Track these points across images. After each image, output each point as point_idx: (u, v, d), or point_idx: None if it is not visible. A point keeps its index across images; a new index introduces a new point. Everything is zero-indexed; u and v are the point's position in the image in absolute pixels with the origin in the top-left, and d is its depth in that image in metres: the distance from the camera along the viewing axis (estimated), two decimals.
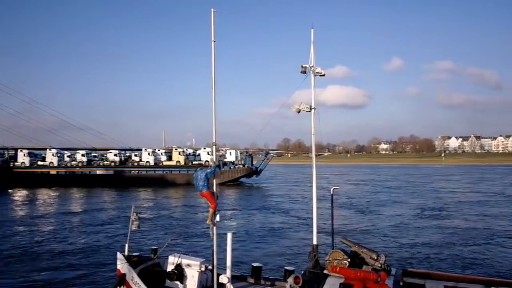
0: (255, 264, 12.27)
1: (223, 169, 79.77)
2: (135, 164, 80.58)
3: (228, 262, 10.18)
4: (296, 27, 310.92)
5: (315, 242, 11.44)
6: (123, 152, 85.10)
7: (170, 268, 11.35)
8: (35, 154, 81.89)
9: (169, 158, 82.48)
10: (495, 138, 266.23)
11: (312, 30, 11.31)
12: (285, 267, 12.18)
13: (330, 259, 10.51)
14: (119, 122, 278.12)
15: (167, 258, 11.72)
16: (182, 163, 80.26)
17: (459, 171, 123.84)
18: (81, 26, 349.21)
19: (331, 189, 12.65)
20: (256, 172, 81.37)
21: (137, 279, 10.96)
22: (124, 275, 11.29)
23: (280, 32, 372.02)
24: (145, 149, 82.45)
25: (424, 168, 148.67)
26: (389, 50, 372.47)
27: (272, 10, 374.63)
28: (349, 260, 10.40)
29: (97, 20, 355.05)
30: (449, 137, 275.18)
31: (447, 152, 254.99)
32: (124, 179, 75.75)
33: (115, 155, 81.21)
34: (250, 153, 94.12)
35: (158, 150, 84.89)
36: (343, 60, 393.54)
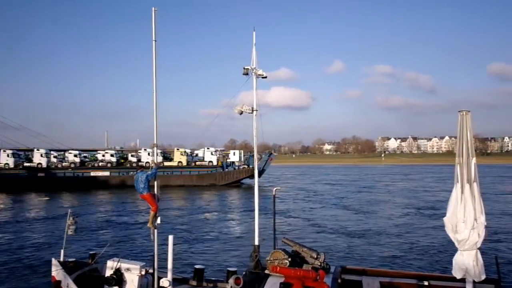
0: (197, 266, 12.20)
1: (227, 170, 78.20)
2: (134, 165, 75.79)
3: (169, 265, 10.04)
4: (241, 28, 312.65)
5: (256, 243, 11.55)
6: (82, 152, 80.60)
7: (108, 273, 11.02)
8: (19, 155, 76.61)
9: (165, 158, 79.22)
10: (430, 139, 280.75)
11: (254, 33, 11.45)
12: (228, 268, 12.20)
13: (271, 259, 10.65)
14: (57, 122, 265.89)
15: (106, 263, 11.37)
16: (184, 163, 77.10)
17: (396, 170, 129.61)
18: (20, 23, 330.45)
19: (274, 190, 12.82)
20: (260, 172, 78.64)
21: (73, 285, 10.56)
22: (59, 282, 10.84)
23: (226, 33, 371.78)
24: (145, 149, 78.43)
25: (369, 168, 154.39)
26: (331, 53, 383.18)
27: (216, 11, 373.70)
28: (289, 259, 10.58)
29: (36, 16, 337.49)
30: (389, 138, 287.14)
31: (386, 152, 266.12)
32: (118, 181, 72.24)
33: (75, 155, 76.84)
34: (252, 154, 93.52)
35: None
36: (287, 62, 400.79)
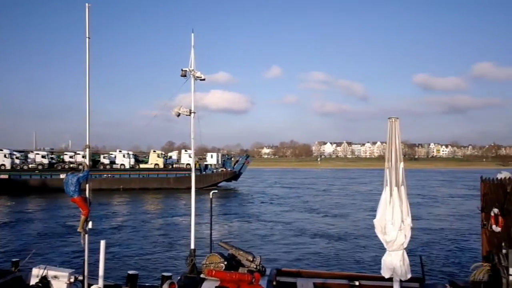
0: (131, 272, 11.82)
1: (204, 172, 75.95)
2: (107, 167, 72.42)
3: (101, 272, 9.65)
4: (180, 29, 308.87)
5: (192, 247, 11.41)
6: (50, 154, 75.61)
7: (34, 281, 10.38)
8: None
9: (137, 161, 76.54)
10: (363, 144, 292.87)
11: (192, 35, 11.33)
12: (163, 273, 11.93)
13: (207, 262, 10.57)
14: None
15: (31, 271, 10.71)
16: (161, 166, 74.40)
17: (342, 174, 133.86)
18: None
19: (210, 193, 12.75)
20: (237, 175, 77.98)
21: None
22: None
23: (165, 33, 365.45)
24: (119, 151, 74.77)
25: (309, 172, 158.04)
26: (269, 58, 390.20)
27: (155, 10, 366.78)
28: (225, 263, 10.55)
29: None
30: (325, 143, 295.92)
31: (322, 156, 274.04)
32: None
33: (43, 157, 71.60)
34: (231, 156, 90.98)
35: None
36: (227, 66, 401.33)
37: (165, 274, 11.67)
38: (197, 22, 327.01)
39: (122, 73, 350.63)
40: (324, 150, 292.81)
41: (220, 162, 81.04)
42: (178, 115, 11.31)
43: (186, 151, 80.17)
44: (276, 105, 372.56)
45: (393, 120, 8.38)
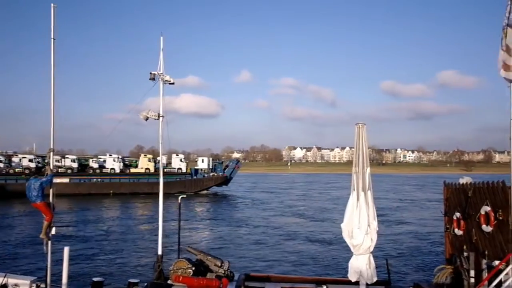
0: (95, 279, 11.54)
1: (195, 177, 74.88)
2: (97, 171, 70.54)
3: (64, 279, 9.39)
4: (149, 32, 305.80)
5: (160, 252, 11.25)
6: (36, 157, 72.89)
7: None
8: None
9: (126, 165, 75.35)
10: (333, 150, 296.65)
11: (161, 38, 11.25)
12: (129, 280, 11.71)
13: (175, 268, 10.45)
14: None
15: None
16: (152, 170, 73.00)
17: (317, 179, 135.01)
18: None
19: (179, 198, 12.63)
20: (228, 180, 77.14)
21: None
22: None
23: (134, 35, 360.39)
24: (110, 155, 73.45)
25: (277, 176, 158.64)
26: (239, 63, 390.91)
27: (124, 12, 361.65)
28: (193, 268, 10.45)
29: None
30: (295, 148, 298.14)
31: (292, 161, 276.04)
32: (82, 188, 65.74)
33: (30, 160, 69.10)
34: (222, 160, 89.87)
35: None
36: (196, 70, 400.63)
37: (132, 280, 11.47)
38: (167, 25, 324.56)
39: (89, 76, 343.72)
40: (294, 155, 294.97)
41: (211, 167, 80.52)
42: (146, 119, 11.18)
43: (177, 155, 79.94)
44: (247, 109, 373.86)
45: (360, 126, 8.52)
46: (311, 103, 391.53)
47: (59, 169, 69.76)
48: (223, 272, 10.74)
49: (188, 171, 77.62)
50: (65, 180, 68.17)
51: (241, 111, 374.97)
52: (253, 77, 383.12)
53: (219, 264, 10.87)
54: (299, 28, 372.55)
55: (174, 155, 79.99)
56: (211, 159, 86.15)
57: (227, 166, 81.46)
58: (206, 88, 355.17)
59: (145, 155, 78.73)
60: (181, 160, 78.51)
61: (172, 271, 10.46)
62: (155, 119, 11.28)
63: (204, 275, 10.47)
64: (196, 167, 79.45)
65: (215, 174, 77.74)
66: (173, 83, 11.50)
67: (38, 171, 68.13)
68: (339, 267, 20.62)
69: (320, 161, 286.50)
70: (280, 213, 44.97)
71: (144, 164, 75.88)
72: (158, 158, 79.69)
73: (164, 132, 11.48)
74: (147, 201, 58.61)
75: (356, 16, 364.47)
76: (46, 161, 72.08)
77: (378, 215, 8.55)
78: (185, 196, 12.63)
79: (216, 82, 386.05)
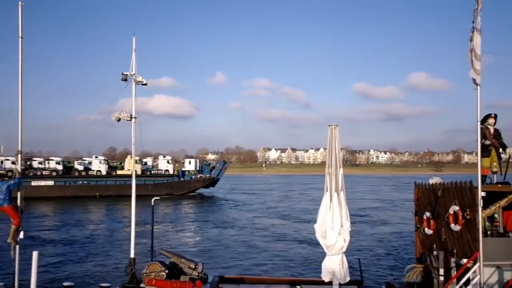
0: (66, 284, 11.29)
1: (183, 179, 73.97)
2: (83, 173, 68.79)
3: (33, 285, 9.14)
4: (122, 32, 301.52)
5: (132, 256, 11.09)
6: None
7: None
8: None
9: (110, 167, 73.99)
10: (307, 151, 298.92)
11: (134, 38, 11.09)
12: (101, 284, 11.51)
13: (147, 271, 10.32)
14: None
15: None
16: (139, 172, 70.50)
17: (293, 180, 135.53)
18: None
19: (152, 200, 12.49)
20: (215, 182, 76.47)
21: None
22: None
23: (105, 35, 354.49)
24: (96, 157, 71.74)
25: (252, 177, 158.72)
26: (213, 65, 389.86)
27: (96, 11, 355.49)
28: (166, 271, 10.35)
29: None
30: (270, 149, 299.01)
31: (267, 162, 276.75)
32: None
33: (13, 163, 66.15)
34: (209, 162, 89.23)
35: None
36: (170, 71, 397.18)
37: (103, 284, 11.29)
38: (140, 25, 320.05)
39: (60, 76, 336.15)
40: (269, 156, 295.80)
41: (198, 168, 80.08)
42: (119, 120, 11.02)
43: (164, 157, 79.30)
44: (221, 111, 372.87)
45: (333, 128, 8.60)
46: (285, 105, 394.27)
47: (43, 172, 68.99)
48: (197, 274, 10.67)
49: (175, 173, 77.23)
50: (50, 182, 66.89)
51: (215, 112, 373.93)
52: (227, 79, 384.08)
53: (193, 267, 10.79)
54: (272, 30, 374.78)
55: (161, 157, 79.75)
56: (198, 160, 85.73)
57: (213, 167, 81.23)
58: (180, 90, 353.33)
59: (131, 157, 77.14)
60: (168, 162, 78.02)
61: (145, 274, 10.34)
62: (127, 120, 11.12)
63: (177, 278, 10.38)
64: (183, 169, 78.97)
65: (203, 175, 77.35)
66: (145, 84, 11.37)
67: (22, 173, 67.04)
68: (317, 267, 20.81)
69: (294, 162, 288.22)
70: (265, 214, 45.11)
71: (131, 166, 74.78)
72: (144, 160, 79.91)
73: (137, 133, 11.34)
74: (142, 203, 57.63)
75: (328, 20, 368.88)
76: (28, 163, 70.58)
77: (352, 215, 8.65)
78: (158, 198, 12.47)
79: (191, 84, 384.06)
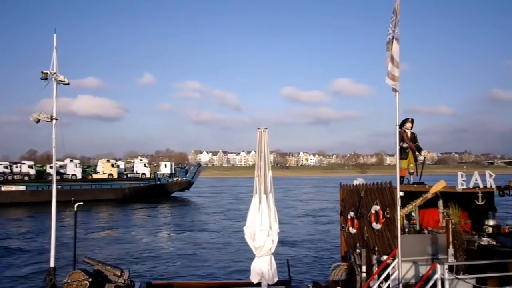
0: None
1: (159, 182, 71.55)
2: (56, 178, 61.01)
3: None
4: (42, 28, 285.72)
5: (52, 265, 10.47)
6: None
7: None
8: None
9: (84, 171, 70.92)
10: (239, 154, 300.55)
11: (54, 35, 10.48)
12: None
13: (69, 281, 9.79)
14: None
15: None
16: (115, 176, 68.92)
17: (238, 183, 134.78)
18: None
19: (75, 206, 11.89)
20: (190, 185, 74.25)
21: None
22: None
23: (25, 31, 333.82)
24: (71, 160, 67.59)
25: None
26: (141, 65, 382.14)
27: (15, 8, 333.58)
28: (90, 280, 9.89)
29: None
30: (201, 152, 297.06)
31: None
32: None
33: None
34: (185, 165, 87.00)
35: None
36: (96, 71, 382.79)
37: None
38: (62, 22, 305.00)
39: None
40: (200, 159, 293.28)
41: (173, 172, 78.36)
42: (38, 121, 10.37)
43: (141, 160, 78.34)
44: (151, 113, 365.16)
45: (262, 131, 8.72)
46: (216, 108, 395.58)
47: (15, 176, 64.99)
48: (122, 282, 10.30)
49: (152, 176, 75.19)
50: (22, 187, 63.10)
51: (145, 114, 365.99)
52: (156, 80, 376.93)
53: (119, 274, 10.40)
54: (202, 33, 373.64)
55: (137, 160, 79.07)
56: (173, 163, 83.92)
57: (187, 170, 79.70)
58: (107, 90, 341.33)
59: (108, 160, 75.00)
60: (145, 165, 76.03)
61: (66, 284, 9.80)
62: (47, 121, 10.50)
63: (102, 287, 9.97)
64: (158, 172, 77.21)
65: (179, 179, 75.93)
66: (68, 84, 10.80)
67: None
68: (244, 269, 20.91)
69: (226, 165, 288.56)
70: (229, 217, 44.43)
71: (107, 169, 71.95)
72: (118, 163, 76.86)
73: (58, 135, 10.74)
74: (109, 208, 55.24)
75: (258, 24, 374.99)
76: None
77: (283, 216, 8.80)
78: (82, 204, 11.91)
79: (118, 84, 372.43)
